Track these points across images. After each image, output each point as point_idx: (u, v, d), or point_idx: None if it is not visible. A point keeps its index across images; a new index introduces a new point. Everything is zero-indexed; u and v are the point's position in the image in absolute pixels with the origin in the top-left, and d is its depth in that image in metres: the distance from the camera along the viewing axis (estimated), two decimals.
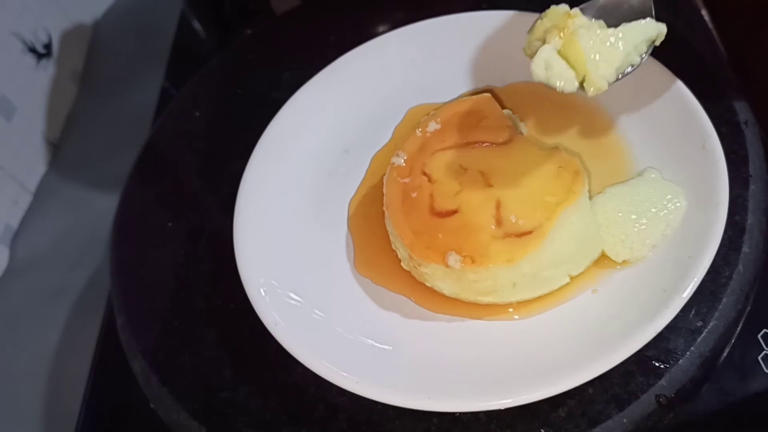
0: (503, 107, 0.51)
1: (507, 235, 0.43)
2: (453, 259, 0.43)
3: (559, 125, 0.53)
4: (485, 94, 0.52)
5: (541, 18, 0.44)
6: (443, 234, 0.44)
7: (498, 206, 0.44)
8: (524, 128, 0.52)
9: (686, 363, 0.41)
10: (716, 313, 0.42)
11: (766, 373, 0.44)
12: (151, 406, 0.48)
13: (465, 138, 0.48)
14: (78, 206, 0.73)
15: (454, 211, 0.45)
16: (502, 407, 0.39)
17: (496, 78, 0.56)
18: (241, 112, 0.62)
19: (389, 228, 0.48)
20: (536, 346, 0.43)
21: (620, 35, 0.43)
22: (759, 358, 0.45)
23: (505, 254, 0.42)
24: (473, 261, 0.43)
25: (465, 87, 0.56)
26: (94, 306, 0.61)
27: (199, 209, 0.57)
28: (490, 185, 0.45)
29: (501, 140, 0.48)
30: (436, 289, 0.46)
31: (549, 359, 0.41)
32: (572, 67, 0.43)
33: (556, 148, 0.48)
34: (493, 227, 0.43)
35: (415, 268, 0.46)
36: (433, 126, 0.50)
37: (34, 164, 0.76)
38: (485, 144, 0.48)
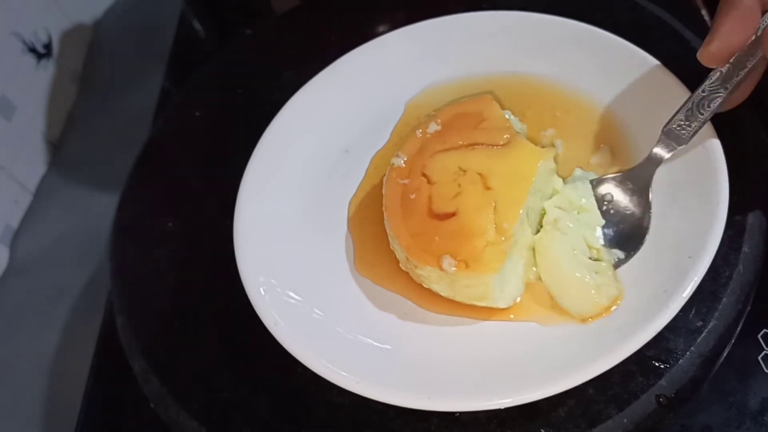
0: (503, 107, 0.51)
1: (503, 242, 0.43)
2: (447, 263, 0.43)
3: (558, 126, 0.53)
4: (485, 95, 0.52)
5: None
6: (440, 237, 0.44)
7: (495, 210, 0.44)
8: (524, 129, 0.52)
9: (686, 363, 0.41)
10: (716, 313, 0.42)
11: (766, 373, 0.44)
12: (151, 406, 0.48)
13: (465, 139, 0.48)
14: (78, 206, 0.73)
15: (452, 214, 0.45)
16: (502, 407, 0.39)
17: (495, 78, 0.56)
18: (241, 112, 0.62)
19: (387, 229, 0.48)
20: (536, 346, 0.43)
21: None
22: (759, 358, 0.45)
23: (497, 262, 0.42)
24: (467, 266, 0.42)
25: (465, 87, 0.56)
26: (94, 306, 0.61)
27: (199, 209, 0.57)
28: (488, 188, 0.45)
29: (500, 142, 0.47)
30: (433, 290, 0.46)
31: (549, 359, 0.41)
32: None
33: (554, 150, 0.48)
34: (490, 232, 0.43)
35: (412, 269, 0.46)
36: (433, 127, 0.50)
37: (34, 164, 0.76)
38: (485, 146, 0.48)
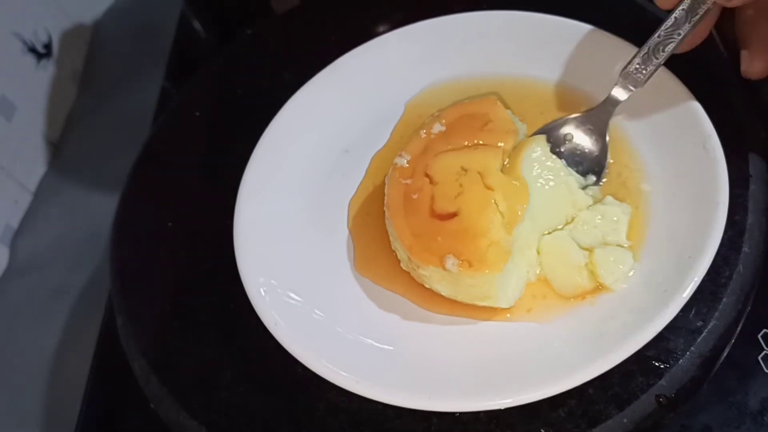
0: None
1: (507, 241, 0.43)
2: (451, 262, 0.43)
3: None
4: (491, 96, 0.52)
5: None
6: (442, 237, 0.44)
7: (498, 210, 0.44)
8: (524, 128, 0.52)
9: (686, 363, 0.41)
10: (716, 313, 0.42)
11: (766, 373, 0.44)
12: (151, 406, 0.48)
13: (469, 140, 0.48)
14: (78, 206, 0.73)
15: (455, 214, 0.45)
16: (502, 407, 0.39)
17: (496, 78, 0.56)
18: (241, 112, 0.62)
19: (389, 229, 0.48)
20: (536, 346, 0.43)
21: None
22: (759, 358, 0.45)
23: (501, 261, 0.42)
24: (470, 265, 0.42)
25: (465, 87, 0.56)
26: (94, 306, 0.61)
27: (199, 209, 0.57)
28: (491, 189, 0.45)
29: (505, 143, 0.47)
30: (434, 291, 0.46)
31: (549, 359, 0.41)
32: None
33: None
34: (493, 232, 0.43)
35: (414, 269, 0.46)
36: (437, 127, 0.50)
37: (34, 164, 0.76)
38: (489, 147, 0.48)
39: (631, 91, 0.48)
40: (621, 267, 0.44)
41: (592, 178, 0.49)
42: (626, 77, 0.47)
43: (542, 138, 0.49)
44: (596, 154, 0.49)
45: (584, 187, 0.48)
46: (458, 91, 0.56)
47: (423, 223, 0.45)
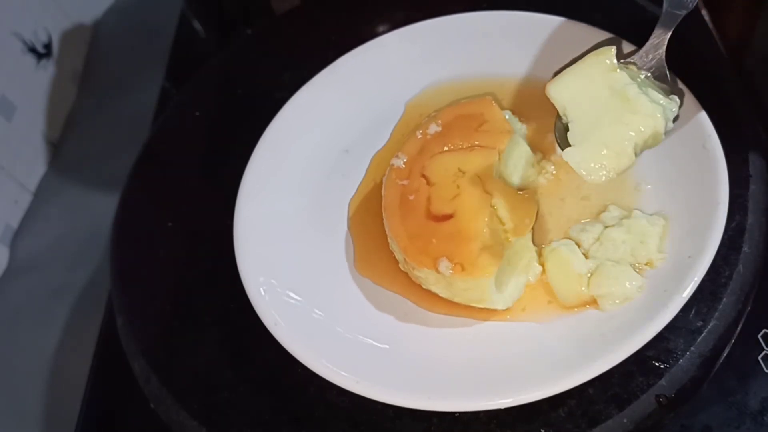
0: (502, 108, 0.51)
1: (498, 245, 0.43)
2: (444, 265, 0.43)
3: None
4: (486, 97, 0.52)
5: None
6: (437, 239, 0.44)
7: (493, 214, 0.44)
8: (523, 128, 0.52)
9: (686, 363, 0.41)
10: (716, 313, 0.42)
11: (766, 373, 0.44)
12: (151, 406, 0.48)
13: (465, 141, 0.48)
14: (78, 206, 0.73)
15: (450, 216, 0.45)
16: (502, 407, 0.39)
17: (495, 78, 0.56)
18: (241, 112, 0.62)
19: (386, 230, 0.48)
20: (536, 345, 0.43)
21: None
22: (759, 358, 0.45)
23: (493, 266, 0.42)
24: (463, 269, 0.42)
25: (465, 87, 0.56)
26: (94, 306, 0.61)
27: (199, 209, 0.57)
28: (486, 191, 0.45)
29: (500, 145, 0.47)
30: (432, 291, 0.46)
31: (549, 359, 0.41)
32: None
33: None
34: (486, 235, 0.43)
35: (411, 271, 0.46)
36: (433, 128, 0.50)
37: (34, 164, 0.76)
38: (485, 148, 0.48)
39: (680, 15, 0.46)
40: (621, 286, 0.43)
41: (674, 106, 0.45)
42: (671, 2, 0.46)
43: (611, 49, 0.46)
44: (666, 75, 0.47)
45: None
46: (458, 91, 0.56)
47: (419, 225, 0.45)
